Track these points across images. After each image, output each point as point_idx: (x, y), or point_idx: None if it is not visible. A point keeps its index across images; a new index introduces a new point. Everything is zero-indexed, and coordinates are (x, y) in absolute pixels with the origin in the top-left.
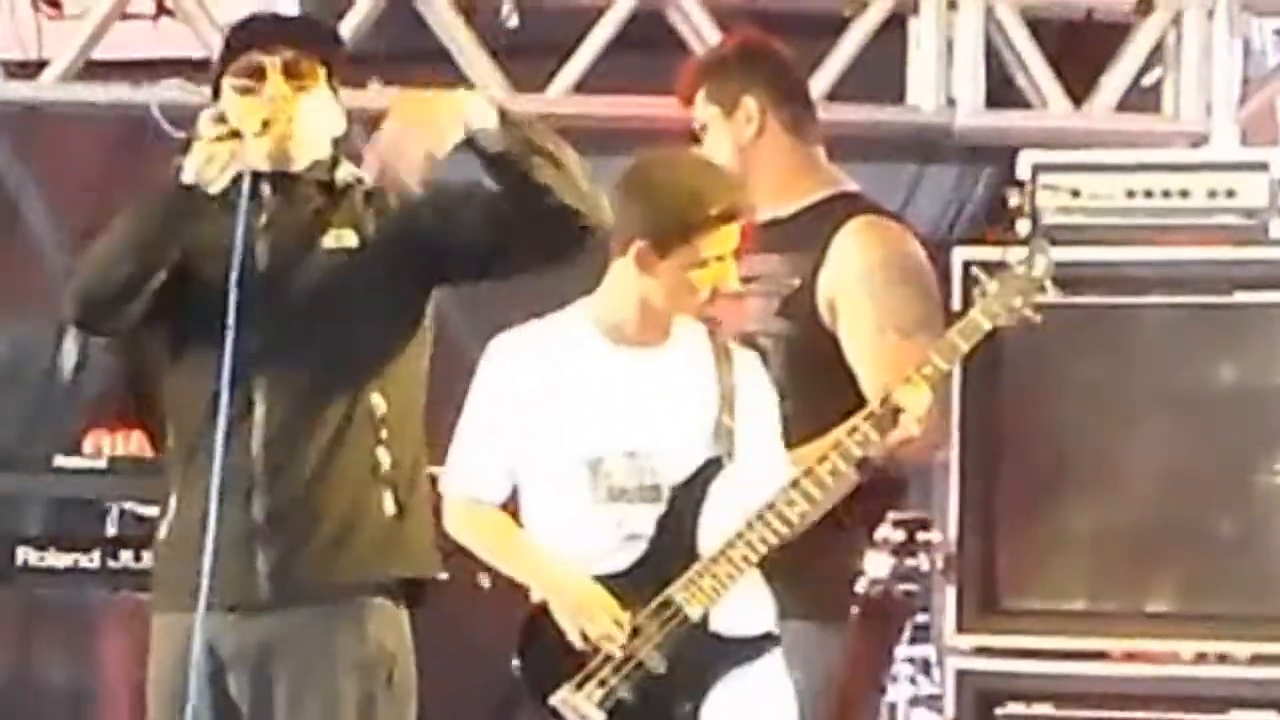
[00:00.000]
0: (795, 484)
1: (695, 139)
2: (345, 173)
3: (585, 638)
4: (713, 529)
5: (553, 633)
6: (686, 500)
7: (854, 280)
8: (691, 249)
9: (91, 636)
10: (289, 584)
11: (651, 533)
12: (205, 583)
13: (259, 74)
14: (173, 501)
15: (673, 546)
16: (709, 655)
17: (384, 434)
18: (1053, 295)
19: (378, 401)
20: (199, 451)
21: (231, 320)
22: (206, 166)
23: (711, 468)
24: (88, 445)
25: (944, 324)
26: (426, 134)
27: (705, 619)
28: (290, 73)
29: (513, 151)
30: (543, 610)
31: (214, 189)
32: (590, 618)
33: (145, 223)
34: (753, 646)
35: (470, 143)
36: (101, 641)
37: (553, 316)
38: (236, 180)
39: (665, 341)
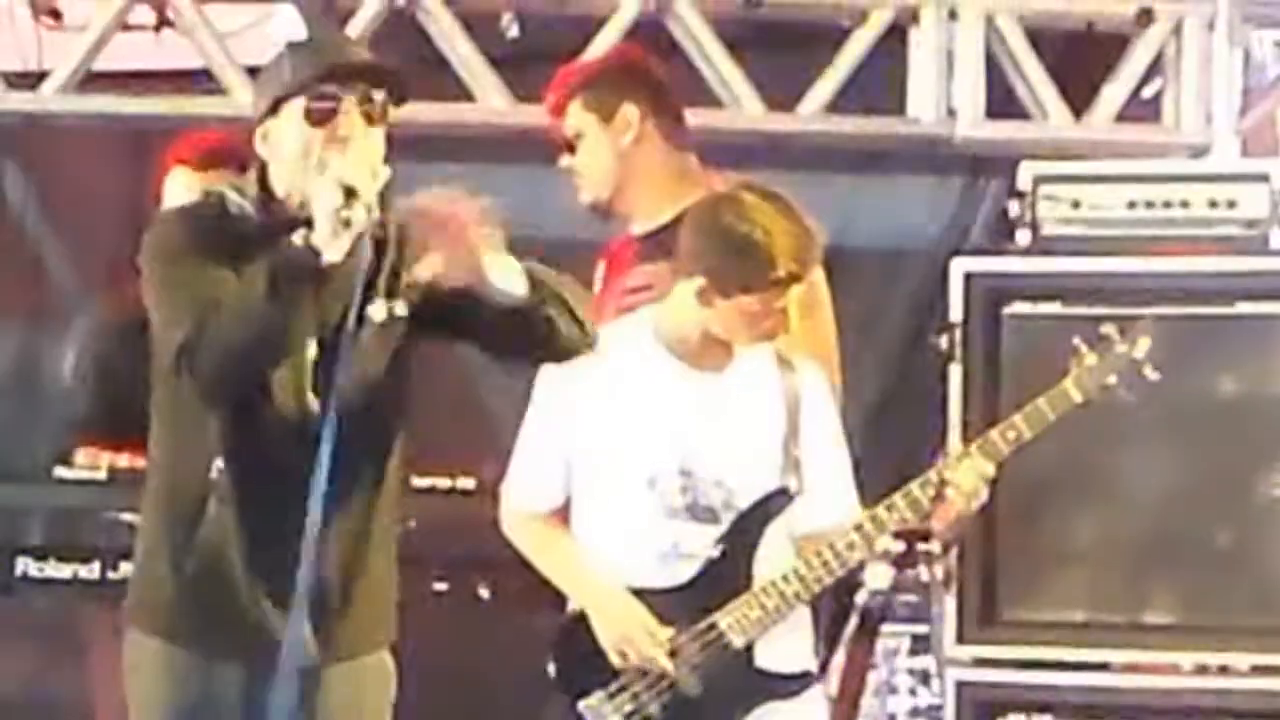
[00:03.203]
0: (859, 528)
1: (570, 148)
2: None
3: (624, 657)
4: (769, 560)
5: (589, 640)
6: (748, 527)
7: None
8: (752, 300)
9: (90, 647)
10: (331, 646)
11: (707, 554)
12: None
13: (335, 107)
14: (206, 530)
15: (728, 572)
16: (745, 685)
17: (390, 498)
18: (1152, 378)
19: (394, 466)
20: (245, 493)
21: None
22: (339, 241)
23: (779, 499)
24: (81, 458)
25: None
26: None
27: (748, 649)
28: (365, 111)
29: (526, 306)
30: (581, 617)
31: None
32: (630, 642)
33: (287, 307)
34: (790, 683)
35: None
36: (100, 652)
37: (614, 324)
38: None
39: (728, 365)
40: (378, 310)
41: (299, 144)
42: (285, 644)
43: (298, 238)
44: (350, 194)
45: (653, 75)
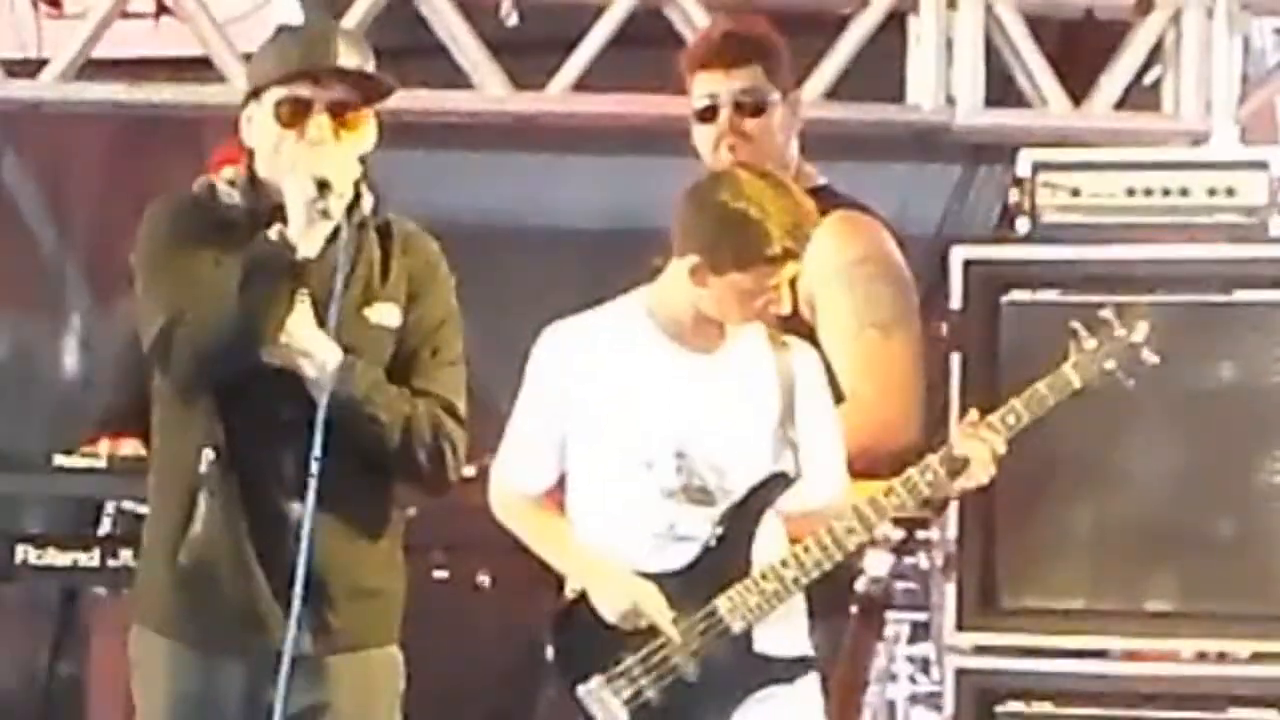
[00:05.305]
0: (857, 511)
1: (741, 109)
2: (366, 204)
3: (638, 631)
4: (765, 545)
5: (588, 623)
6: (746, 511)
7: (831, 277)
8: (745, 277)
9: (90, 634)
10: (332, 637)
11: (705, 538)
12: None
13: (305, 109)
14: (198, 523)
15: (726, 556)
16: (744, 670)
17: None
18: (1152, 361)
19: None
20: (237, 485)
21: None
22: (314, 234)
23: (777, 483)
24: (81, 447)
25: (920, 321)
26: None
27: (747, 634)
28: (336, 114)
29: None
30: (579, 601)
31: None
32: (637, 611)
33: (260, 303)
34: (788, 667)
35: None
36: (99, 639)
37: (607, 306)
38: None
39: (721, 345)
40: (375, 313)
41: (271, 139)
42: (283, 636)
43: (273, 233)
44: (324, 186)
45: (771, 55)
